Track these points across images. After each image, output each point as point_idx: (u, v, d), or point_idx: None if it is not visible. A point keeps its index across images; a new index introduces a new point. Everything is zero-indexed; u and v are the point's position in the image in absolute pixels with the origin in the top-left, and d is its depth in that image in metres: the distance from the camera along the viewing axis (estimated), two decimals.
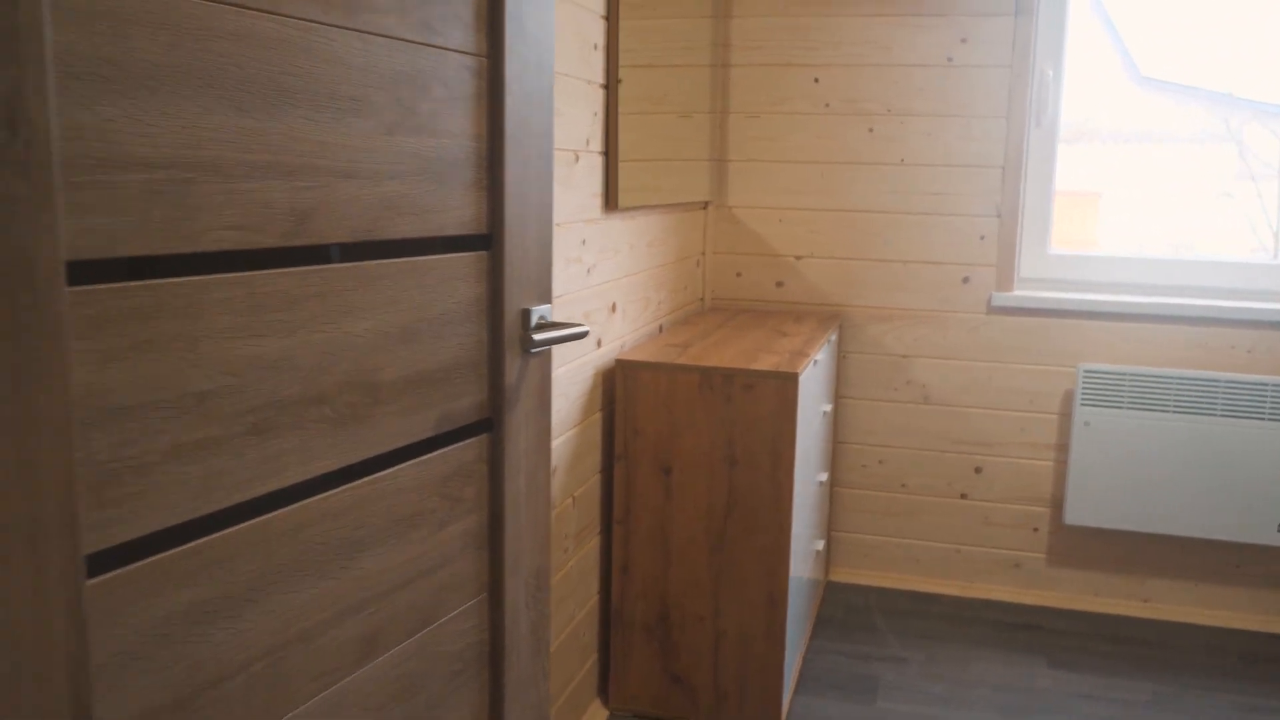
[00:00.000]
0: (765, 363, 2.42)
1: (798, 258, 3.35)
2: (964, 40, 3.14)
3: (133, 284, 0.83)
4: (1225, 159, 3.19)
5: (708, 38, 3.17)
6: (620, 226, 2.54)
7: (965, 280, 3.24)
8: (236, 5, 0.89)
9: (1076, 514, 3.15)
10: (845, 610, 3.23)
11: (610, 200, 2.43)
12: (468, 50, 1.20)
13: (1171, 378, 3.03)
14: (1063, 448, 3.25)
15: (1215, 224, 3.18)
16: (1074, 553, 3.29)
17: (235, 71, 0.90)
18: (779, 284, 3.38)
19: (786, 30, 3.26)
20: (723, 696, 2.51)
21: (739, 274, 3.41)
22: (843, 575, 3.47)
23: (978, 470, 3.32)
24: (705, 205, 3.36)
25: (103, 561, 0.83)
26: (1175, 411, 3.04)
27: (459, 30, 1.18)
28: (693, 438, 2.42)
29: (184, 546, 0.89)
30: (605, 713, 2.61)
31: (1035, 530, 3.31)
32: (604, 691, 2.66)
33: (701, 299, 3.40)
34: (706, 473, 2.42)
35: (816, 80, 3.26)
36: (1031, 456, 3.28)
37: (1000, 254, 3.21)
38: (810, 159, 3.30)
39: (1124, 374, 3.06)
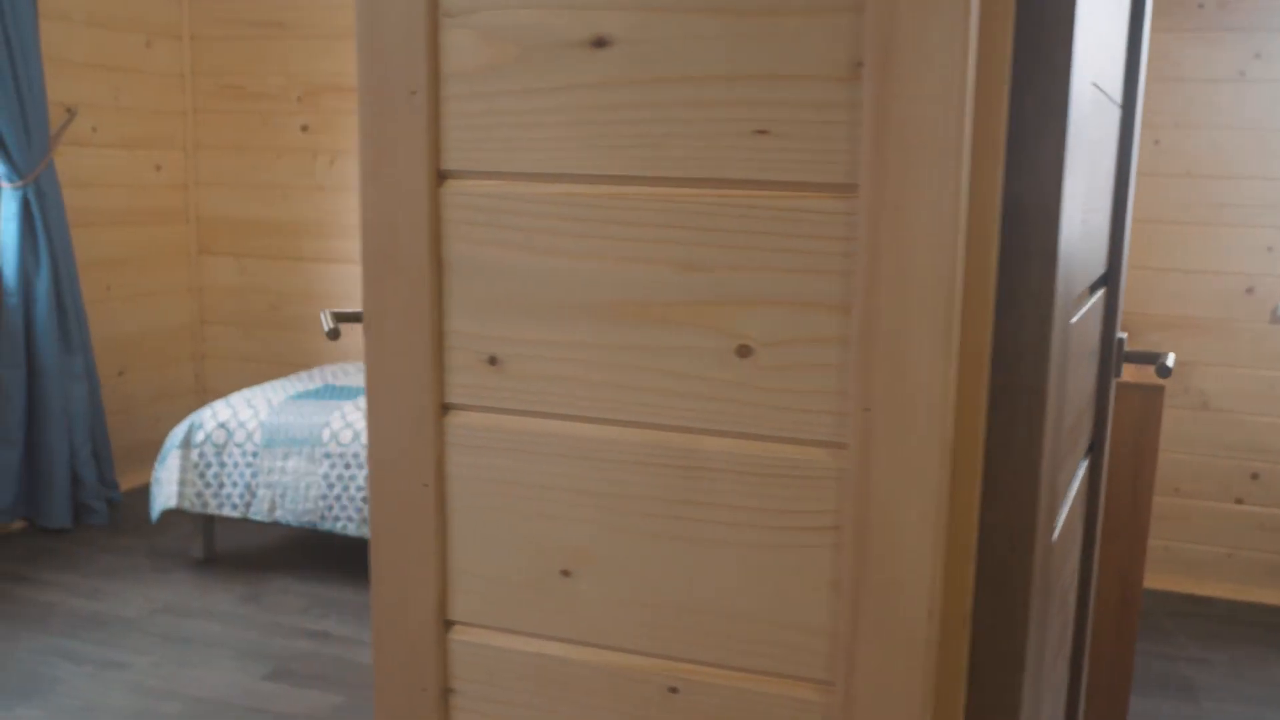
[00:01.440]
0: (1124, 374, 2.51)
1: None
2: (1258, 55, 3.19)
3: None
4: None
5: None
6: None
7: (1249, 290, 3.30)
8: None
9: None
10: None
11: None
12: (1117, 102, 1.32)
13: None
14: None
15: None
16: None
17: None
18: None
19: None
20: None
21: None
22: None
23: (1254, 476, 3.38)
24: None
25: None
26: None
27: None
28: None
29: None
30: None
31: None
32: None
33: None
34: None
35: None
36: None
37: None
38: None
39: None
